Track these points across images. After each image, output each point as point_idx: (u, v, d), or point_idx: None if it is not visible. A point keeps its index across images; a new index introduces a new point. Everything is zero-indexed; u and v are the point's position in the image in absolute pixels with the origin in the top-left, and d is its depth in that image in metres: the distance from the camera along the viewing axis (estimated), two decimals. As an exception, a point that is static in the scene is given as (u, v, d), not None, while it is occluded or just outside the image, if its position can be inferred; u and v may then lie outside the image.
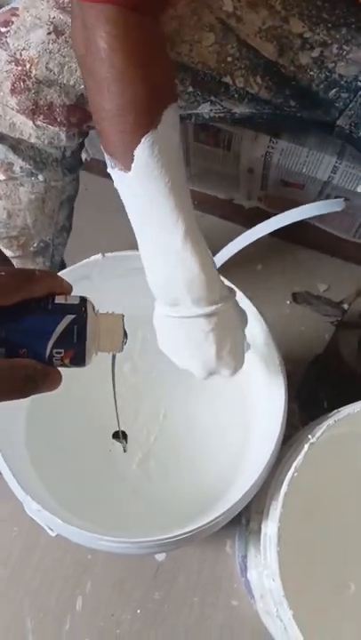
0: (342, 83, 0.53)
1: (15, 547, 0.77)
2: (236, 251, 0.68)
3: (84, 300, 0.37)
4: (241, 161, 0.70)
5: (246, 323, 0.52)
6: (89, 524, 0.53)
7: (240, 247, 0.68)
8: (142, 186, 0.44)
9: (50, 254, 0.69)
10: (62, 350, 0.36)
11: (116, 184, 0.46)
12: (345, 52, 0.52)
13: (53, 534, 0.58)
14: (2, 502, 0.77)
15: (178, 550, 0.77)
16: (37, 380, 0.34)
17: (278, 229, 0.79)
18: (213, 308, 0.47)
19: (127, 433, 0.66)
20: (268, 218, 0.87)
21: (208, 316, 0.47)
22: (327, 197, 0.73)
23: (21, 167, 0.59)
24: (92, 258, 0.59)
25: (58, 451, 0.65)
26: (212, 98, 0.56)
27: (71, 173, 0.63)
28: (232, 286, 0.52)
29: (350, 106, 0.54)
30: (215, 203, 0.89)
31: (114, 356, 0.46)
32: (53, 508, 0.53)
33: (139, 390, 0.68)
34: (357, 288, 0.84)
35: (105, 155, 0.45)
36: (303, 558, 0.57)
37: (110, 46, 0.42)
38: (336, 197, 0.73)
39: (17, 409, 0.64)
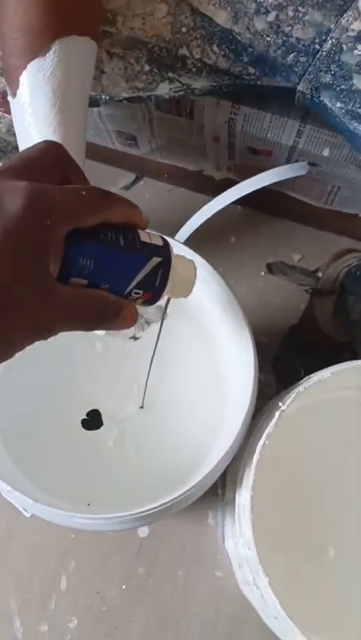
0: (300, 46, 0.52)
1: (-3, 529, 0.77)
2: (202, 221, 0.67)
3: (166, 242, 0.36)
4: (205, 129, 0.69)
5: None
6: (64, 504, 0.53)
7: (206, 217, 0.67)
8: (26, 114, 0.43)
9: None
10: (141, 292, 0.35)
11: (11, 111, 0.45)
12: (301, 14, 0.51)
13: (28, 515, 0.57)
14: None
15: (160, 525, 0.77)
16: (110, 315, 0.34)
17: (251, 200, 0.78)
18: None
19: (101, 410, 0.66)
20: (239, 188, 0.86)
21: None
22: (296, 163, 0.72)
23: None
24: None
25: (30, 429, 0.64)
26: (170, 74, 0.55)
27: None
28: None
29: (309, 70, 0.53)
30: (185, 175, 0.88)
31: (168, 300, 0.46)
32: (26, 487, 0.53)
33: (112, 366, 0.68)
34: (331, 255, 0.83)
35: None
36: (279, 526, 0.57)
37: None
38: (308, 164, 0.72)
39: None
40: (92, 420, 0.64)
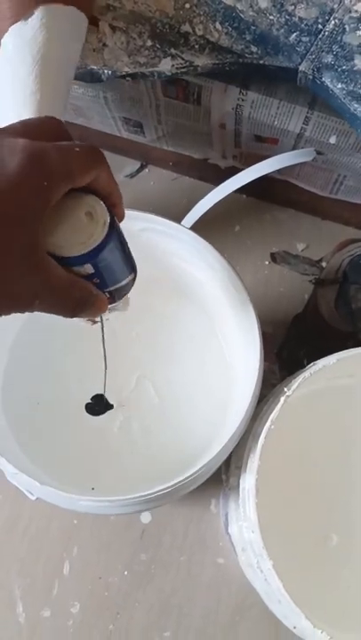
0: (303, 26, 0.52)
1: (0, 515, 0.77)
2: (208, 207, 0.67)
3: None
4: (212, 116, 0.68)
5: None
6: (69, 488, 0.53)
7: (213, 203, 0.67)
8: (4, 75, 0.43)
9: None
10: (109, 296, 0.38)
11: None
12: None
13: (33, 498, 0.58)
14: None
15: (163, 512, 0.78)
16: (88, 307, 0.35)
17: (255, 189, 0.78)
18: None
19: (107, 396, 0.66)
20: (244, 177, 0.86)
21: None
22: (302, 152, 0.72)
23: None
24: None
25: (36, 415, 0.65)
26: (172, 51, 0.55)
27: None
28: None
29: (311, 50, 0.53)
30: (191, 163, 0.88)
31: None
32: (32, 471, 0.53)
33: (118, 352, 0.68)
34: (335, 245, 0.83)
35: None
36: (283, 511, 0.57)
37: None
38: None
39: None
40: (97, 405, 0.65)
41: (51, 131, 0.33)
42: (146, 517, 0.78)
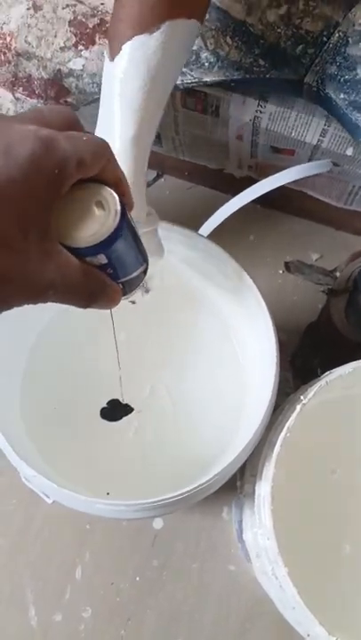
0: (308, 38, 0.54)
1: (14, 518, 0.78)
2: (225, 216, 0.68)
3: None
4: (230, 127, 0.69)
5: (157, 262, 0.53)
6: (85, 492, 0.54)
7: (228, 213, 0.67)
8: (118, 78, 0.45)
9: None
10: (123, 288, 0.37)
11: (103, 69, 0.47)
12: (311, 8, 0.53)
13: (50, 501, 0.58)
14: (1, 475, 0.78)
15: (175, 518, 0.78)
16: (104, 297, 0.34)
17: (270, 199, 0.78)
18: None
19: (123, 401, 0.66)
20: (259, 187, 0.87)
21: None
22: (317, 163, 0.72)
23: None
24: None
25: (53, 419, 0.65)
26: (183, 69, 0.56)
27: None
28: (157, 216, 0.53)
29: (316, 61, 0.55)
30: (206, 173, 0.89)
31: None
32: (49, 474, 0.54)
33: (133, 358, 0.69)
34: (349, 255, 0.84)
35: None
36: (297, 519, 0.58)
37: None
38: (328, 163, 0.73)
39: (11, 374, 0.64)
40: (112, 411, 0.65)
41: (62, 120, 0.32)
42: (158, 523, 0.78)
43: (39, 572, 0.76)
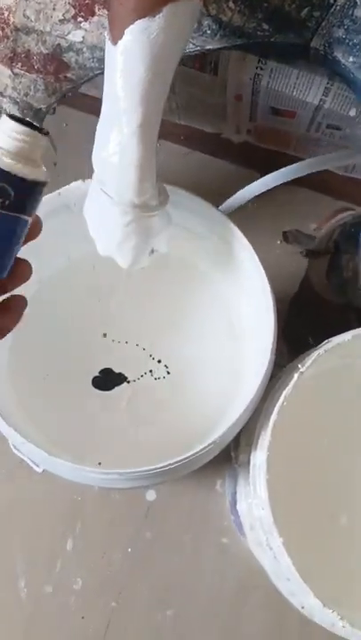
0: (314, 1, 0.51)
1: (3, 489, 0.77)
2: (251, 196, 0.66)
3: None
4: (228, 87, 0.67)
5: (166, 229, 0.53)
6: (76, 461, 0.52)
7: (256, 193, 0.66)
8: (121, 64, 0.44)
9: None
10: None
11: (105, 54, 0.46)
12: None
13: (40, 470, 0.57)
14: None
15: (168, 490, 0.77)
16: None
17: (270, 167, 0.76)
18: (131, 210, 0.48)
19: (116, 370, 0.65)
20: (258, 153, 0.85)
21: (124, 213, 0.48)
22: (319, 126, 0.70)
23: None
24: (72, 184, 0.57)
25: (43, 389, 0.64)
26: None
27: None
28: (167, 194, 0.53)
29: (322, 25, 0.52)
30: (203, 138, 0.86)
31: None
32: (39, 444, 0.52)
33: (126, 328, 0.67)
34: (325, 214, 0.81)
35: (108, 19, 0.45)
36: (293, 489, 0.57)
37: None
38: (328, 126, 0.70)
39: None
40: (104, 380, 0.63)
41: None
42: (151, 495, 0.77)
43: (29, 543, 0.75)
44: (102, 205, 0.49)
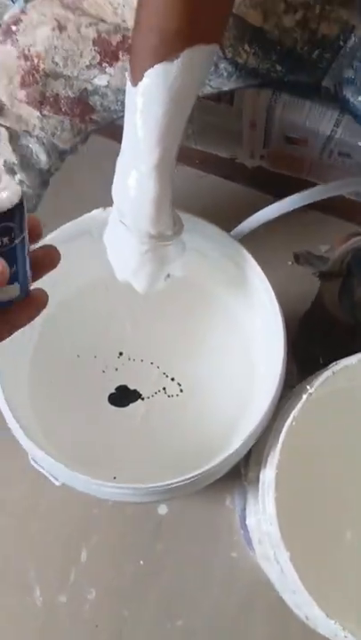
0: (325, 43, 0.54)
1: (22, 501, 0.79)
2: (261, 222, 0.68)
3: None
4: (243, 115, 0.70)
5: (181, 256, 0.56)
6: (92, 475, 0.54)
7: (266, 219, 0.68)
8: (140, 105, 0.46)
9: None
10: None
11: (126, 95, 0.48)
12: (327, 12, 0.53)
13: (58, 483, 0.59)
14: (9, 459, 0.78)
15: (179, 505, 0.79)
16: None
17: (282, 190, 0.78)
18: (148, 240, 0.51)
19: (131, 387, 0.67)
20: (271, 177, 0.87)
21: (141, 242, 0.51)
22: (331, 153, 0.72)
23: (5, 161, 0.62)
24: (93, 212, 0.60)
25: (60, 404, 0.66)
26: None
27: (42, 188, 0.67)
28: (182, 224, 0.55)
29: (333, 65, 0.55)
30: (218, 162, 0.89)
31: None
32: (56, 458, 0.54)
33: (141, 347, 0.69)
34: (339, 238, 0.83)
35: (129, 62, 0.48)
36: (300, 506, 0.58)
37: None
38: (339, 153, 0.73)
39: (20, 359, 0.65)
40: (120, 397, 0.66)
41: None
42: (163, 509, 0.79)
43: (45, 553, 0.78)
44: (121, 234, 0.52)
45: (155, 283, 0.55)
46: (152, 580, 0.77)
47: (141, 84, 0.46)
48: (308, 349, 0.82)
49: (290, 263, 0.90)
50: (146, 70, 0.45)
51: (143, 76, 0.45)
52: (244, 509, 0.68)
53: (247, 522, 0.64)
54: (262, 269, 0.62)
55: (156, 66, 0.45)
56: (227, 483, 0.77)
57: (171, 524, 0.79)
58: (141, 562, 0.77)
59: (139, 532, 0.78)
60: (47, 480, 0.73)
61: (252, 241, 0.91)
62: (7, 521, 0.78)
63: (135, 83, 0.46)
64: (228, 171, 0.90)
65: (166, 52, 0.44)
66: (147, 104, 0.46)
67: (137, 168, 0.48)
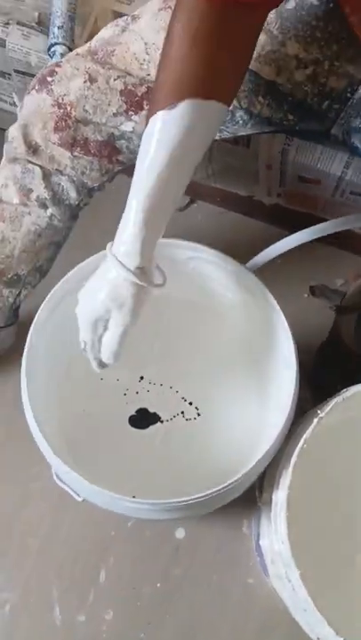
0: (333, 95, 0.58)
1: (44, 521, 0.82)
2: (276, 254, 0.72)
3: None
4: (260, 158, 0.74)
5: (135, 319, 0.56)
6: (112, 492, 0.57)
7: (280, 251, 0.72)
8: (142, 146, 0.51)
9: (18, 290, 0.74)
10: None
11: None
12: (336, 67, 0.57)
13: (80, 499, 0.62)
14: (34, 480, 0.82)
15: (197, 529, 0.81)
16: None
17: (299, 226, 0.82)
18: (122, 273, 0.52)
19: (151, 410, 0.71)
20: (287, 215, 0.91)
21: (114, 276, 0.53)
22: (343, 192, 0.76)
23: (38, 196, 0.68)
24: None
25: (84, 425, 0.69)
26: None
27: (71, 221, 0.72)
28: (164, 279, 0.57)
29: (341, 115, 0.60)
30: (237, 200, 0.93)
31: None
32: (80, 473, 0.57)
33: (161, 372, 0.73)
34: (354, 273, 0.86)
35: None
36: (311, 527, 0.60)
37: (177, 32, 0.48)
38: (351, 192, 0.77)
39: (52, 379, 0.68)
40: (140, 419, 0.69)
41: None
42: (180, 533, 0.81)
43: (65, 573, 0.80)
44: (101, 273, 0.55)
45: (134, 319, 0.55)
46: (169, 604, 0.78)
47: (148, 128, 0.50)
48: (323, 378, 0.85)
49: (306, 296, 0.93)
50: (151, 116, 0.50)
51: (149, 120, 0.50)
52: (259, 534, 0.70)
53: (260, 542, 0.66)
54: (279, 301, 0.66)
55: (158, 112, 0.49)
56: (244, 509, 0.79)
57: (188, 547, 0.81)
58: (158, 584, 0.79)
59: (156, 554, 0.80)
60: (68, 501, 0.76)
61: (270, 273, 0.95)
62: (31, 541, 0.81)
63: (146, 126, 0.51)
64: (247, 208, 0.94)
65: (167, 102, 0.49)
66: (147, 146, 0.50)
67: (129, 210, 0.52)
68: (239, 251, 0.78)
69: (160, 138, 0.50)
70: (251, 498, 0.76)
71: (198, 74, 0.49)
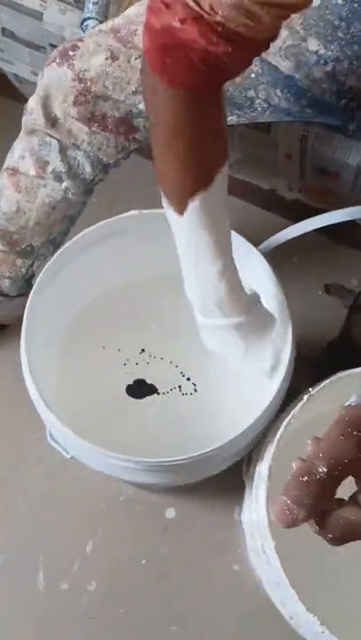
0: (352, 94, 0.59)
1: (37, 487, 0.83)
2: (287, 238, 0.73)
3: None
4: (280, 145, 0.75)
5: (274, 324, 0.60)
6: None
7: (294, 234, 0.73)
8: (190, 230, 0.52)
9: (31, 261, 0.76)
10: None
11: (168, 220, 0.54)
12: (355, 67, 0.58)
13: (68, 456, 0.63)
14: (31, 447, 0.83)
15: (188, 511, 0.81)
16: None
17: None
18: (238, 319, 0.56)
19: (148, 381, 0.72)
20: (308, 210, 0.92)
21: (235, 326, 0.56)
22: None
23: (54, 169, 0.69)
24: (129, 213, 0.66)
25: (83, 389, 0.71)
26: (238, 112, 0.65)
27: (86, 196, 0.73)
28: (258, 296, 0.61)
29: (358, 113, 0.60)
30: (259, 193, 0.94)
31: None
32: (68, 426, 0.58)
33: (162, 346, 0.74)
34: None
35: (162, 193, 0.53)
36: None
37: (170, 125, 0.48)
38: (369, 188, 0.77)
39: (51, 344, 0.70)
40: (137, 389, 0.70)
41: None
42: (170, 513, 0.81)
43: (52, 540, 0.81)
44: (218, 334, 0.58)
45: (266, 352, 0.59)
46: (152, 581, 0.78)
47: (187, 214, 0.51)
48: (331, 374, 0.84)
49: (320, 293, 0.93)
50: (188, 201, 0.50)
51: (187, 206, 0.50)
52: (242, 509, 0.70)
53: (242, 516, 0.66)
54: (292, 295, 0.66)
55: (197, 195, 0.50)
56: (235, 495, 0.79)
57: (177, 528, 0.81)
58: (144, 561, 0.79)
59: (145, 532, 0.81)
60: (63, 470, 0.77)
61: (286, 270, 0.95)
62: (20, 502, 0.82)
63: (180, 212, 0.51)
64: (269, 202, 0.95)
65: (204, 183, 0.50)
66: (196, 228, 0.52)
67: (205, 279, 0.54)
68: (258, 244, 0.79)
69: (211, 213, 0.51)
70: (243, 484, 0.76)
71: (214, 152, 0.50)
